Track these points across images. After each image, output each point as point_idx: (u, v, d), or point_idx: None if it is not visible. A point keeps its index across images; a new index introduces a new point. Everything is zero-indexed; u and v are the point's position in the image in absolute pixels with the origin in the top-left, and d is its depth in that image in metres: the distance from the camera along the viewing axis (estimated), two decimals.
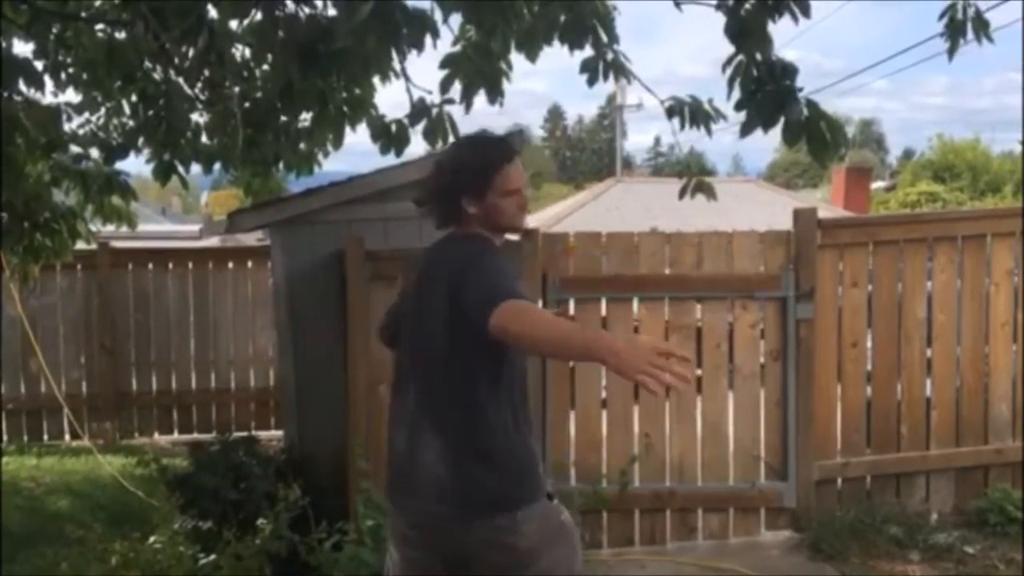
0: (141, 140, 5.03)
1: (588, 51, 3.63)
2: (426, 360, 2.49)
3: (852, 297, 5.08)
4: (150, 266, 8.12)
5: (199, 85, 4.90)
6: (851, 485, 5.13)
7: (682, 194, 4.25)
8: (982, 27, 3.55)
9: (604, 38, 3.56)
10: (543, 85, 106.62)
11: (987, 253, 5.15)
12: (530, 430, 2.56)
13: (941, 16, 3.57)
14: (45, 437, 7.88)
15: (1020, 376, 5.16)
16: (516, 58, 3.86)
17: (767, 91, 3.25)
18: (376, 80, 4.56)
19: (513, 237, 3.02)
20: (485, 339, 2.22)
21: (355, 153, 5.97)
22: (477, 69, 3.76)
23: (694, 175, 4.23)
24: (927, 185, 31.60)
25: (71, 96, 5.15)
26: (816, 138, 3.28)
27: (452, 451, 2.43)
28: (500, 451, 2.43)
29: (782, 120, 3.29)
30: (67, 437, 7.83)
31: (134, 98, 5.03)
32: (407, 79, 4.11)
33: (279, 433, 6.90)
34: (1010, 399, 5.17)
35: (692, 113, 3.64)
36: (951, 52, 3.58)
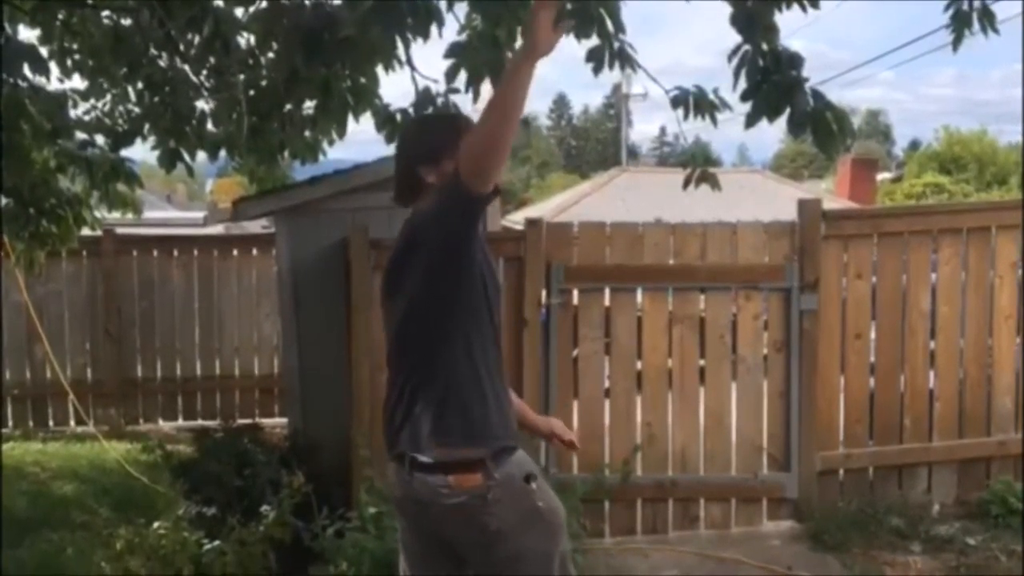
0: (147, 127, 5.04)
1: (594, 40, 3.62)
2: (404, 334, 2.55)
3: (856, 289, 5.08)
4: (155, 253, 8.12)
5: (204, 73, 4.90)
6: (853, 476, 5.14)
7: (686, 184, 4.25)
8: (988, 19, 3.53)
9: (610, 27, 3.56)
10: (549, 74, 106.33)
11: (992, 246, 5.14)
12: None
13: (947, 7, 3.56)
14: (50, 423, 7.90)
15: (1023, 369, 5.16)
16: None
17: (773, 81, 3.25)
18: (381, 69, 4.56)
19: None
20: (458, 280, 2.37)
21: (360, 142, 5.98)
22: (482, 58, 3.76)
23: (699, 165, 4.22)
24: (933, 177, 31.48)
25: (77, 83, 5.16)
26: (822, 129, 3.28)
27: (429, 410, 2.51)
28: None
29: (788, 110, 3.28)
30: (72, 423, 7.86)
31: (140, 85, 5.03)
32: (412, 68, 4.12)
33: (283, 420, 6.92)
34: (1013, 392, 5.17)
35: (697, 103, 3.63)
36: (956, 44, 3.57)
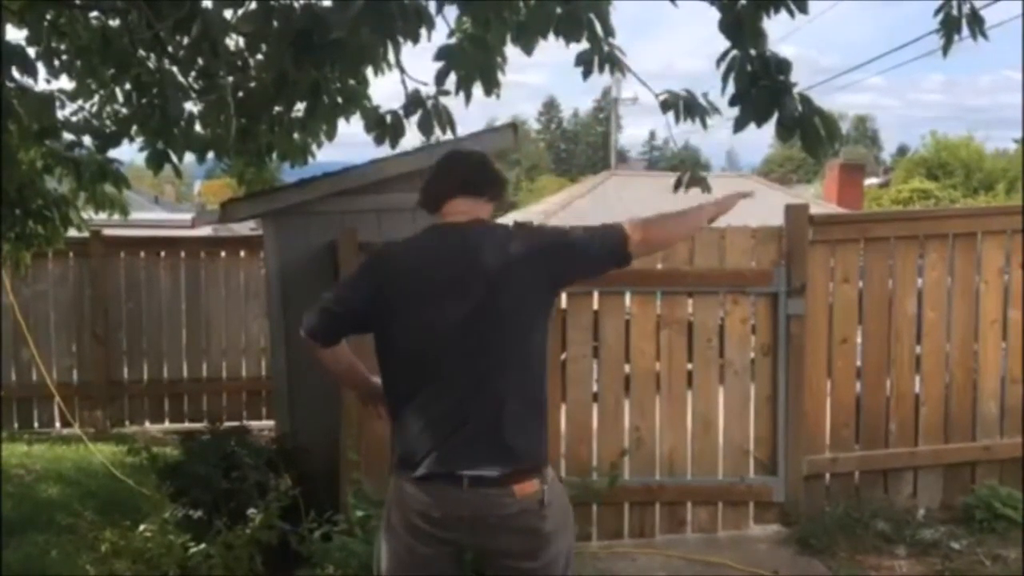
0: (134, 128, 5.01)
1: (584, 44, 3.63)
2: (488, 340, 2.55)
3: (843, 293, 5.10)
4: (142, 255, 8.10)
5: (193, 74, 4.88)
6: (840, 480, 5.16)
7: (677, 187, 4.25)
8: (977, 24, 3.55)
9: (600, 31, 3.56)
10: (539, 78, 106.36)
11: (978, 251, 5.17)
12: None
13: (936, 12, 3.58)
14: (36, 425, 7.87)
15: (1009, 374, 5.18)
16: (512, 51, 3.85)
17: (762, 86, 3.25)
18: (370, 71, 4.55)
19: None
20: (551, 302, 2.73)
21: (350, 144, 5.96)
22: (472, 61, 3.76)
23: (688, 169, 4.23)
24: (920, 182, 31.67)
25: (64, 83, 5.13)
26: (810, 133, 3.28)
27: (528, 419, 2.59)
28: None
29: (776, 115, 3.29)
30: (58, 425, 7.83)
31: (128, 86, 5.01)
32: (402, 70, 4.11)
33: (271, 423, 6.90)
34: (999, 396, 5.19)
35: (687, 107, 3.63)
36: (946, 49, 3.59)
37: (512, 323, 2.56)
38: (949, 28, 3.55)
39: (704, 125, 3.69)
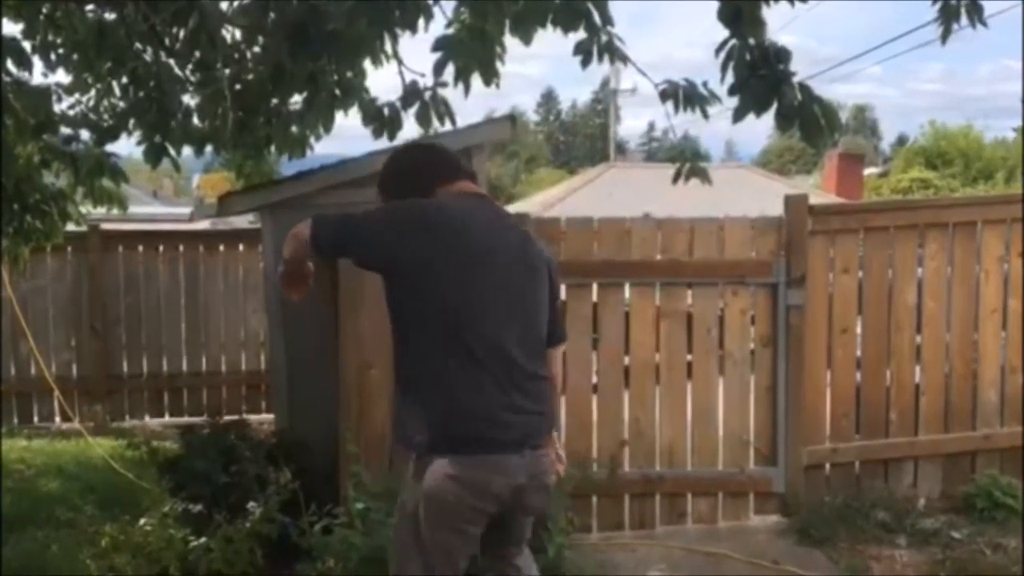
0: (132, 122, 4.99)
1: (582, 34, 3.61)
2: (528, 311, 2.69)
3: (843, 283, 5.10)
4: (141, 249, 8.08)
5: (190, 67, 4.87)
6: (840, 471, 5.16)
7: (676, 178, 4.23)
8: (976, 12, 3.53)
9: (598, 21, 3.54)
10: (537, 69, 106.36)
11: (977, 240, 5.16)
12: None
13: (935, 1, 3.56)
14: (35, 420, 7.85)
15: (1008, 363, 5.18)
16: (511, 41, 3.84)
17: (761, 76, 3.24)
18: (368, 63, 4.53)
19: None
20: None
21: (348, 136, 5.95)
22: (471, 51, 3.74)
23: (687, 160, 4.21)
24: (919, 172, 31.66)
25: (61, 77, 5.12)
26: (809, 122, 3.27)
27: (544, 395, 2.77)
28: None
29: (776, 105, 3.28)
30: (57, 420, 7.82)
31: (125, 80, 4.98)
32: (399, 62, 4.10)
33: (270, 416, 6.89)
34: (998, 386, 5.19)
35: (687, 96, 3.61)
36: (944, 37, 3.57)
37: (540, 299, 2.75)
38: (948, 16, 3.53)
39: (705, 114, 3.67)
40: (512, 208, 20.25)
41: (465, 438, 2.53)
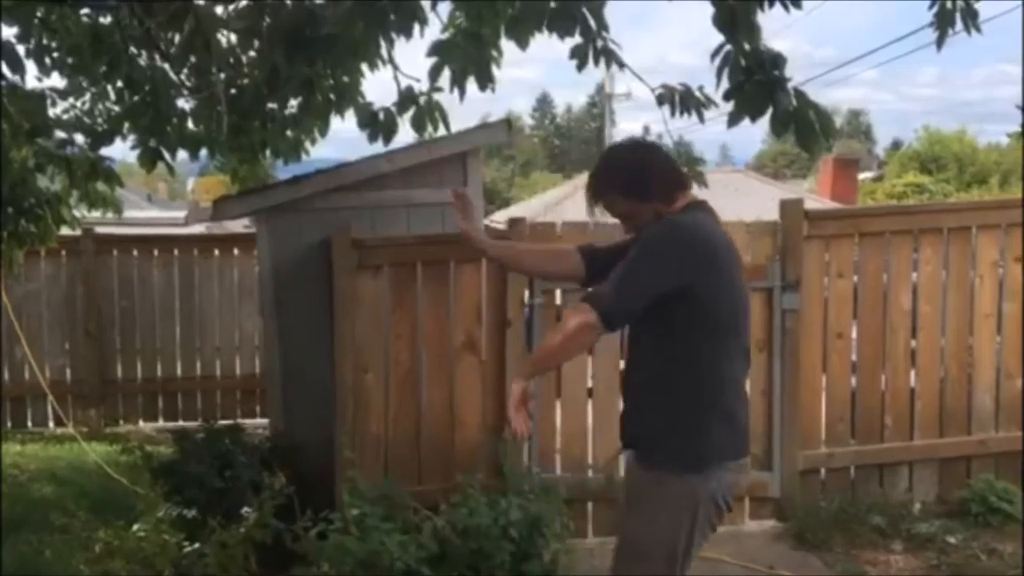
0: (127, 126, 5.00)
1: (578, 38, 3.61)
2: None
3: (838, 288, 5.10)
4: (135, 253, 8.07)
5: (185, 71, 4.86)
6: (835, 475, 5.16)
7: None
8: (971, 17, 3.55)
9: (593, 26, 3.55)
10: (532, 73, 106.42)
11: (972, 245, 5.17)
12: None
13: (931, 6, 3.57)
14: (29, 424, 7.84)
15: (1004, 368, 5.19)
16: (506, 45, 3.84)
17: (755, 81, 3.25)
18: (364, 67, 4.53)
19: None
20: None
21: (344, 140, 5.95)
22: (467, 56, 3.74)
23: (683, 165, 4.21)
24: (914, 176, 31.75)
25: (56, 81, 5.11)
26: (804, 128, 3.28)
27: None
28: None
29: (770, 110, 3.28)
30: (51, 424, 7.80)
31: (119, 83, 4.98)
32: (395, 67, 4.10)
33: (265, 421, 6.88)
34: (994, 390, 5.19)
35: (683, 101, 3.63)
36: (940, 41, 3.58)
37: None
38: (943, 22, 3.54)
39: (701, 118, 3.68)
40: (508, 212, 20.27)
41: (737, 444, 2.73)
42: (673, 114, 3.65)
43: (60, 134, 5.15)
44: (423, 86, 4.07)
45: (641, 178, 2.71)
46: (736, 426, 2.72)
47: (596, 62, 3.62)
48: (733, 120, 3.34)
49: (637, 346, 2.77)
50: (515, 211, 21.80)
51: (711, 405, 2.65)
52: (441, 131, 4.44)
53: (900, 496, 5.12)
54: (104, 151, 5.21)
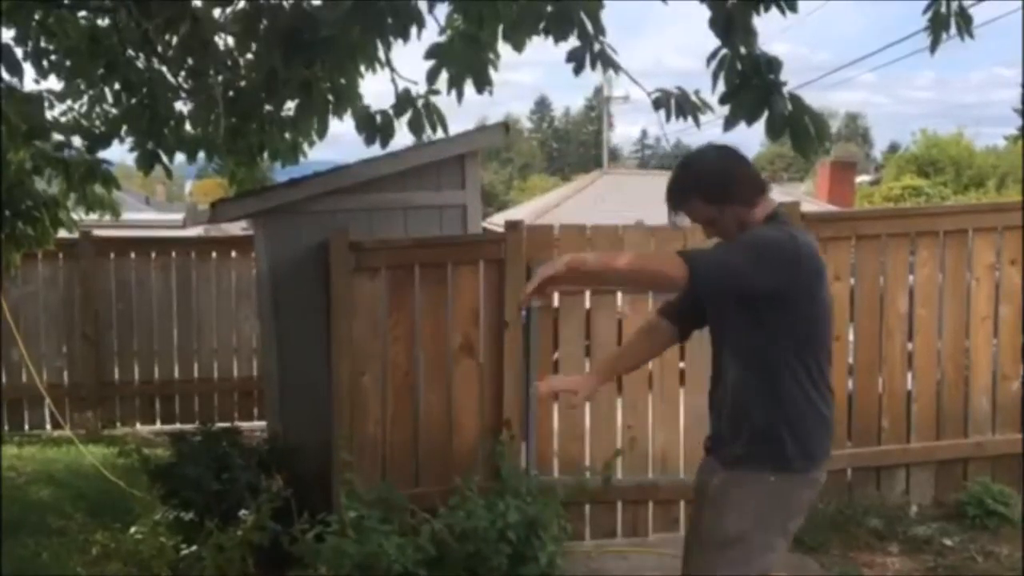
0: (124, 128, 5.00)
1: (574, 42, 3.62)
2: None
3: (834, 291, 5.07)
4: (133, 255, 8.07)
5: (183, 74, 4.87)
6: (832, 477, 5.09)
7: None
8: (965, 22, 3.56)
9: (590, 30, 3.55)
10: (530, 77, 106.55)
11: (969, 248, 5.18)
12: None
13: (925, 11, 3.58)
14: (26, 427, 7.83)
15: (1000, 370, 5.20)
16: (504, 49, 3.85)
17: (751, 85, 3.26)
18: (361, 69, 4.54)
19: None
20: None
21: (340, 143, 5.96)
22: (464, 59, 3.75)
23: None
24: (911, 179, 31.76)
25: (53, 83, 5.11)
26: (799, 132, 3.29)
27: None
28: None
29: (766, 114, 3.29)
30: (49, 427, 7.80)
31: (117, 86, 4.99)
32: (392, 69, 4.10)
33: (262, 424, 6.88)
34: (990, 393, 5.20)
35: (679, 105, 3.63)
36: (933, 47, 3.59)
37: None
38: (937, 27, 3.56)
39: (697, 123, 3.68)
40: (506, 215, 20.28)
41: (828, 445, 2.81)
42: (669, 118, 3.66)
43: (58, 137, 5.15)
44: (420, 89, 4.08)
45: (723, 183, 2.71)
46: (829, 427, 2.81)
47: (593, 66, 3.63)
48: (729, 124, 3.35)
49: (734, 354, 2.80)
50: (513, 214, 21.81)
51: (811, 407, 2.73)
52: (439, 134, 4.45)
53: (897, 498, 5.12)
54: (102, 154, 5.21)
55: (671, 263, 2.50)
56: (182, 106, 5.08)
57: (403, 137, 4.40)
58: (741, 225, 2.71)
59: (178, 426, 7.51)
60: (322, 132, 5.03)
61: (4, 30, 4.50)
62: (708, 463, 2.94)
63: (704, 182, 2.73)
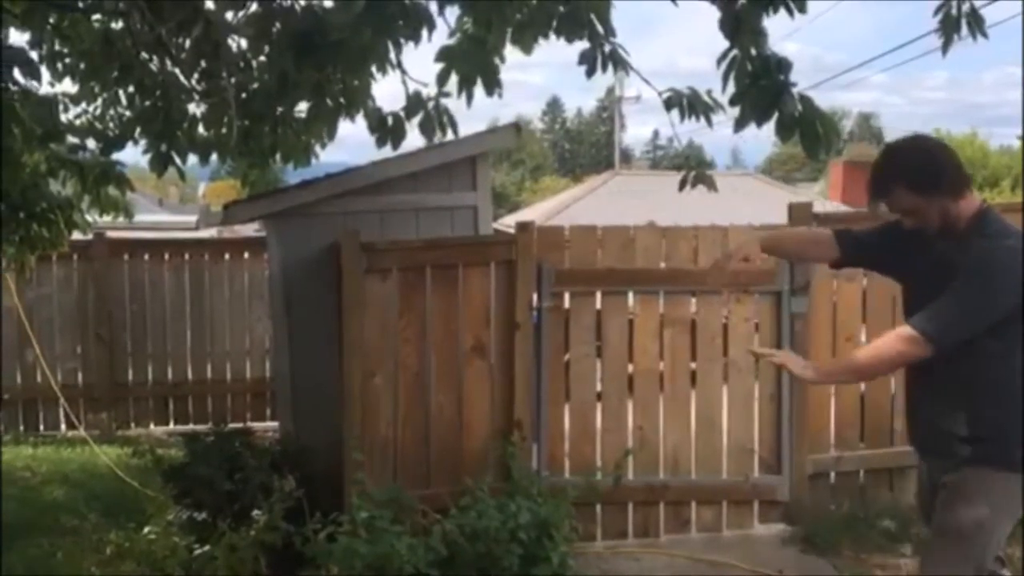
0: (138, 131, 5.02)
1: (586, 43, 3.62)
2: None
3: (847, 291, 5.09)
4: (146, 257, 8.13)
5: (195, 76, 4.88)
6: (844, 479, 5.15)
7: (682, 186, 4.23)
8: (976, 23, 3.55)
9: (600, 31, 3.55)
10: (542, 77, 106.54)
11: None
12: None
13: (936, 12, 3.57)
14: (41, 427, 7.89)
15: None
16: (514, 50, 3.84)
17: (761, 86, 3.24)
18: (373, 71, 4.54)
19: None
20: None
21: (354, 144, 5.95)
22: (474, 61, 3.75)
23: (693, 168, 4.21)
24: None
25: (68, 86, 5.15)
26: (809, 133, 3.28)
27: None
28: None
29: (776, 115, 3.28)
30: (63, 427, 7.85)
31: (131, 89, 5.01)
32: (403, 72, 4.11)
33: (274, 424, 6.91)
34: None
35: (691, 104, 3.62)
36: (945, 48, 3.58)
37: None
38: (948, 28, 3.55)
39: (709, 122, 3.67)
40: (517, 216, 20.28)
41: None
42: (682, 118, 3.65)
43: (72, 139, 5.18)
44: (431, 91, 4.08)
45: (932, 172, 2.70)
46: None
47: (604, 67, 3.62)
48: (739, 124, 3.34)
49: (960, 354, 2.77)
50: (525, 215, 21.82)
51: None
52: (450, 136, 4.45)
53: (910, 500, 5.09)
54: (115, 156, 5.24)
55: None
56: (195, 108, 5.09)
57: (414, 139, 4.41)
58: (945, 218, 2.69)
59: (191, 427, 7.55)
60: (333, 134, 5.03)
61: (19, 33, 4.54)
62: (931, 464, 3.03)
63: (911, 171, 2.72)
